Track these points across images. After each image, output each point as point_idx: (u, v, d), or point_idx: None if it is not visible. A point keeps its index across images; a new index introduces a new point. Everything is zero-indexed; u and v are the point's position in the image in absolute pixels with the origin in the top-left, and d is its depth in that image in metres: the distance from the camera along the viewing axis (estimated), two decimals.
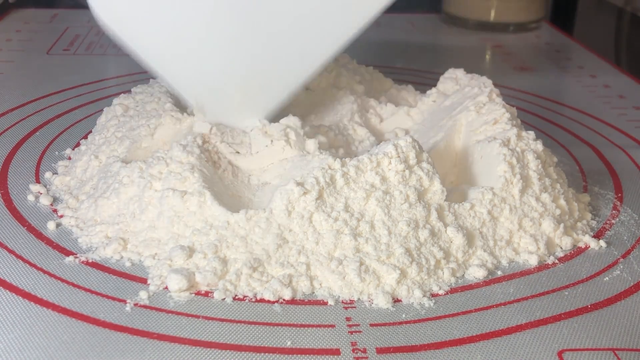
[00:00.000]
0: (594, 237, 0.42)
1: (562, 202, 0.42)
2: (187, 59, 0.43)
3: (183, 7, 0.41)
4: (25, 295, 0.35)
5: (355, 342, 0.32)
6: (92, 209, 0.41)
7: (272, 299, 0.35)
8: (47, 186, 0.45)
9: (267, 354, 0.32)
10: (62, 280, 0.36)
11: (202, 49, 0.42)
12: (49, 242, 0.39)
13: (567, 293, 0.37)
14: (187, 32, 0.42)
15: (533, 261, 0.39)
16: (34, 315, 0.33)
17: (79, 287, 0.35)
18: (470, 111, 0.45)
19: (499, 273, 0.38)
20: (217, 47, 0.43)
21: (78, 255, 0.38)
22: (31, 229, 0.40)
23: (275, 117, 0.45)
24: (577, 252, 0.40)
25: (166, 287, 0.35)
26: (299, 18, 0.43)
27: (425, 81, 0.65)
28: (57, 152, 0.50)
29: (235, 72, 0.43)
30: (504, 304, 0.36)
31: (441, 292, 0.36)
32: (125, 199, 0.40)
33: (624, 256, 0.40)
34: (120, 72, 0.68)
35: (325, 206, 0.37)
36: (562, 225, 0.41)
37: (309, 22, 0.43)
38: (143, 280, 0.36)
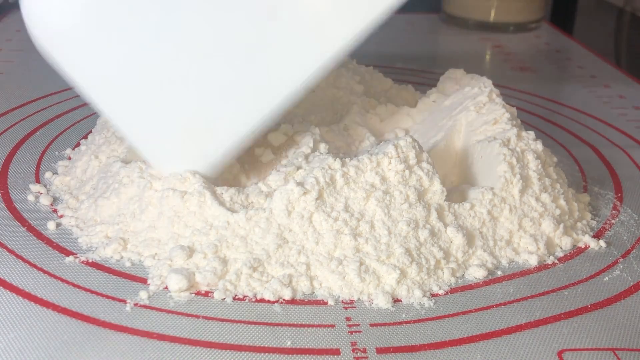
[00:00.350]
0: (594, 237, 0.42)
1: (562, 202, 0.42)
2: (127, 92, 0.38)
3: (127, 37, 0.37)
4: (25, 295, 0.35)
5: (355, 342, 0.32)
6: (92, 209, 0.41)
7: (272, 299, 0.35)
8: (47, 186, 0.45)
9: (267, 354, 0.32)
10: (62, 280, 0.36)
11: (142, 82, 0.38)
12: (49, 242, 0.39)
13: (567, 293, 0.37)
14: (128, 63, 0.37)
15: (533, 261, 0.39)
16: (34, 315, 0.33)
17: (79, 287, 0.35)
18: (470, 111, 0.45)
19: (499, 273, 0.38)
20: (155, 79, 0.38)
21: (78, 255, 0.38)
22: (31, 229, 0.40)
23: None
24: (577, 252, 0.40)
25: (166, 287, 0.35)
26: (247, 55, 0.37)
27: (425, 81, 0.65)
28: (57, 152, 0.50)
29: (174, 111, 0.38)
30: (504, 304, 0.36)
31: (441, 292, 0.36)
32: (125, 199, 0.40)
33: (623, 256, 0.40)
34: None
35: (325, 206, 0.37)
36: (562, 225, 0.41)
37: (258, 60, 0.37)
38: (143, 280, 0.36)
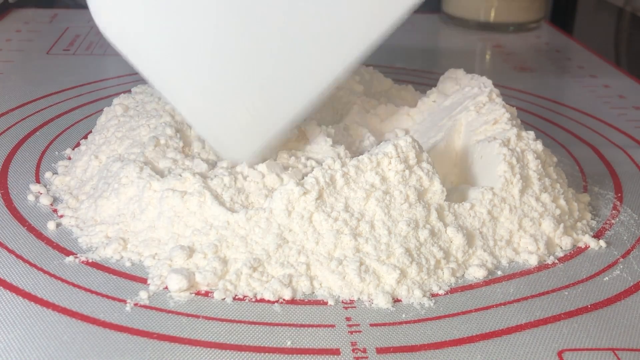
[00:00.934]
0: (594, 237, 0.42)
1: (562, 202, 0.42)
2: (188, 75, 0.41)
3: (188, 25, 0.40)
4: (25, 295, 0.35)
5: (355, 342, 0.32)
6: (92, 209, 0.41)
7: (272, 299, 0.35)
8: (47, 186, 0.45)
9: (267, 354, 0.32)
10: (62, 280, 0.36)
11: (203, 67, 0.41)
12: (49, 242, 0.39)
13: (567, 293, 0.37)
14: (190, 49, 0.40)
15: (533, 261, 0.39)
16: (34, 315, 0.33)
17: (79, 287, 0.35)
18: (470, 111, 0.45)
19: (499, 273, 0.38)
20: (216, 63, 0.41)
21: (78, 255, 0.38)
22: (31, 229, 0.40)
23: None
24: (577, 252, 0.40)
25: (166, 287, 0.35)
26: (297, 43, 0.40)
27: (425, 81, 0.65)
28: (57, 152, 0.50)
29: (234, 92, 0.41)
30: (504, 304, 0.36)
31: (441, 292, 0.36)
32: (125, 199, 0.40)
33: (624, 256, 0.40)
34: (120, 72, 0.68)
35: (325, 206, 0.37)
36: (562, 225, 0.41)
37: (308, 47, 0.40)
38: (143, 280, 0.36)
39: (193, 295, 0.35)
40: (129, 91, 0.51)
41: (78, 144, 0.50)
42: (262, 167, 0.40)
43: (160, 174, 0.40)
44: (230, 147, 0.42)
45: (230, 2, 0.39)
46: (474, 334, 0.33)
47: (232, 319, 0.34)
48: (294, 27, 0.40)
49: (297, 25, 0.40)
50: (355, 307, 0.35)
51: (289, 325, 0.33)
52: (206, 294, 0.35)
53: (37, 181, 0.45)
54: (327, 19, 0.40)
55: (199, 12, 0.39)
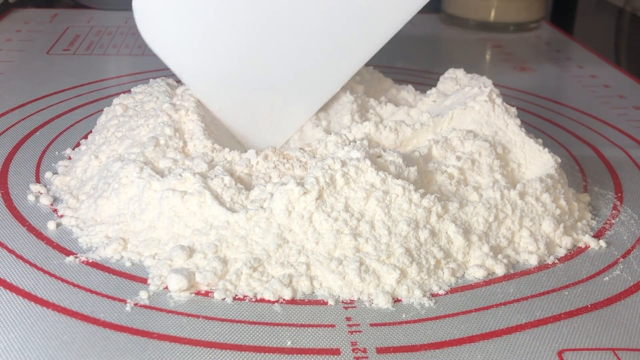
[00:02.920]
0: (594, 237, 0.42)
1: (562, 202, 0.42)
2: (219, 74, 0.46)
3: (221, 31, 0.44)
4: (25, 295, 0.35)
5: (355, 342, 0.32)
6: (92, 209, 0.41)
7: (272, 299, 0.35)
8: (47, 186, 0.45)
9: (267, 354, 0.32)
10: (62, 280, 0.36)
11: (233, 63, 0.45)
12: (49, 242, 0.39)
13: (567, 293, 0.37)
14: (223, 51, 0.45)
15: (533, 261, 0.39)
16: (34, 315, 0.33)
17: (79, 287, 0.35)
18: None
19: (499, 273, 0.38)
20: (247, 62, 0.45)
21: (78, 255, 0.38)
22: (31, 229, 0.40)
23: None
24: (577, 252, 0.40)
25: (166, 287, 0.35)
26: (326, 36, 0.45)
27: (425, 81, 0.65)
28: (57, 152, 0.50)
29: (263, 88, 0.46)
30: (504, 304, 0.36)
31: (441, 292, 0.36)
32: (125, 199, 0.40)
33: (624, 256, 0.40)
34: (120, 72, 0.68)
35: (325, 206, 0.37)
36: (562, 225, 0.41)
37: (335, 40, 0.46)
38: (143, 280, 0.36)
39: (193, 295, 0.35)
40: (129, 91, 0.50)
41: (78, 144, 0.50)
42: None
43: (160, 174, 0.40)
44: (257, 142, 0.47)
45: (256, 11, 0.44)
46: (474, 334, 0.33)
47: (232, 319, 0.34)
48: (310, 32, 0.45)
49: (314, 30, 0.45)
50: (355, 307, 0.35)
51: (289, 325, 0.33)
52: (206, 294, 0.35)
53: (37, 181, 0.45)
54: (343, 21, 0.45)
55: (230, 21, 0.44)
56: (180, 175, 0.39)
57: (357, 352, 0.32)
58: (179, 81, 0.49)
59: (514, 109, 0.46)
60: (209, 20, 0.44)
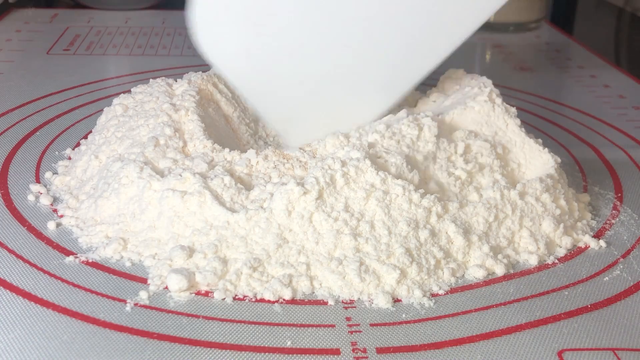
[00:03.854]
0: (594, 237, 0.42)
1: (562, 202, 0.42)
2: (275, 85, 0.45)
3: (282, 46, 0.44)
4: (25, 295, 0.35)
5: (355, 342, 0.32)
6: (92, 209, 0.41)
7: (272, 299, 0.35)
8: (47, 186, 0.45)
9: (267, 354, 0.32)
10: (62, 280, 0.36)
11: (290, 78, 0.45)
12: (49, 242, 0.39)
13: (567, 293, 0.37)
14: (282, 66, 0.44)
15: (533, 261, 0.39)
16: (34, 315, 0.33)
17: (79, 287, 0.35)
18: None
19: (499, 273, 0.38)
20: (305, 77, 0.45)
21: (78, 255, 0.38)
22: (31, 229, 0.40)
23: None
24: (577, 252, 0.40)
25: (166, 287, 0.35)
26: (391, 42, 0.44)
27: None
28: (57, 152, 0.50)
29: (320, 103, 0.46)
30: (504, 304, 0.36)
31: (441, 292, 0.36)
32: (125, 199, 0.40)
33: (624, 256, 0.40)
34: (120, 72, 0.68)
35: (325, 206, 0.37)
36: (562, 225, 0.41)
37: (400, 47, 0.44)
38: (143, 280, 0.36)
39: (193, 295, 0.35)
40: (129, 91, 0.50)
41: (78, 144, 0.50)
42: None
43: (160, 174, 0.40)
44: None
45: (317, 20, 0.43)
46: (474, 334, 0.33)
47: (232, 319, 0.34)
48: (377, 36, 0.43)
49: (382, 33, 0.43)
50: (355, 307, 0.35)
51: (289, 325, 0.33)
52: (206, 294, 0.35)
53: (37, 181, 0.45)
54: (418, 24, 0.44)
55: (291, 34, 0.43)
56: (180, 175, 0.39)
57: (357, 352, 0.32)
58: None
59: (514, 109, 0.46)
60: (270, 32, 0.43)
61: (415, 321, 0.34)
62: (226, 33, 0.43)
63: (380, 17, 0.43)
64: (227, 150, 0.43)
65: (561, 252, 0.40)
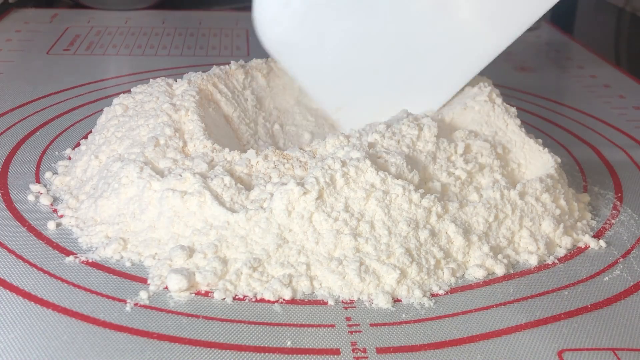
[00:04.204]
0: (594, 237, 0.42)
1: (562, 202, 0.42)
2: (333, 76, 0.48)
3: (340, 37, 0.46)
4: (25, 295, 0.35)
5: (355, 342, 0.32)
6: (92, 209, 0.41)
7: (272, 299, 0.35)
8: (47, 186, 0.45)
9: (267, 354, 0.32)
10: (62, 280, 0.36)
11: (348, 69, 0.47)
12: (49, 242, 0.39)
13: (567, 293, 0.37)
14: (339, 55, 0.47)
15: (533, 261, 0.39)
16: (34, 315, 0.33)
17: (79, 287, 0.35)
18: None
19: (499, 273, 0.38)
20: (362, 68, 0.47)
21: (78, 255, 0.38)
22: (31, 229, 0.40)
23: None
24: (577, 252, 0.40)
25: (166, 287, 0.35)
26: (446, 37, 0.46)
27: None
28: (57, 152, 0.50)
29: (376, 93, 0.48)
30: (504, 304, 0.36)
31: (441, 292, 0.36)
32: (125, 199, 0.40)
33: (624, 256, 0.40)
34: (120, 72, 0.68)
35: (325, 206, 0.37)
36: (562, 225, 0.41)
37: (455, 42, 0.46)
38: (143, 280, 0.36)
39: (193, 295, 0.35)
40: (129, 91, 0.51)
41: (78, 144, 0.50)
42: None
43: (160, 174, 0.40)
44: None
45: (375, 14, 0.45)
46: (474, 334, 0.33)
47: (232, 319, 0.34)
48: (429, 31, 0.45)
49: (433, 29, 0.45)
50: (355, 307, 0.35)
51: (289, 325, 0.33)
52: (206, 294, 0.35)
53: (37, 181, 0.45)
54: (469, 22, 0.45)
55: (348, 24, 0.46)
56: (180, 175, 0.39)
57: (357, 352, 0.32)
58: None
59: (514, 109, 0.46)
60: (324, 21, 0.45)
61: (415, 321, 0.34)
62: (289, 28, 0.45)
63: (437, 13, 0.45)
64: (227, 150, 0.43)
65: (561, 252, 0.40)
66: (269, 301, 0.35)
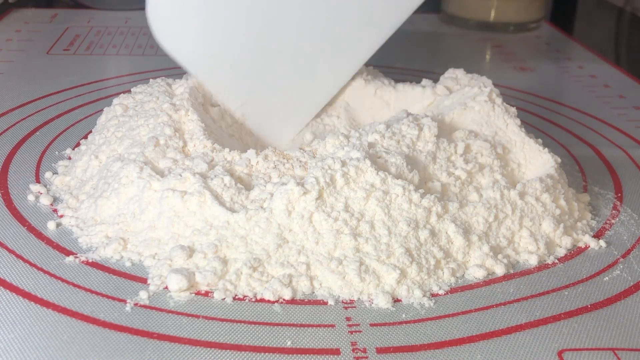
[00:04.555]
0: (594, 237, 0.42)
1: (562, 202, 0.42)
2: (234, 72, 0.48)
3: (232, 27, 0.46)
4: (25, 295, 0.35)
5: (355, 342, 0.32)
6: (92, 209, 0.41)
7: (272, 299, 0.35)
8: (47, 186, 0.45)
9: (267, 354, 0.32)
10: (62, 280, 0.36)
11: (247, 63, 0.47)
12: (49, 242, 0.39)
13: (567, 293, 0.37)
14: (235, 49, 0.47)
15: (533, 261, 0.39)
16: (34, 315, 0.33)
17: (79, 287, 0.35)
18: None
19: (499, 273, 0.38)
20: (261, 61, 0.47)
21: (78, 255, 0.38)
22: (31, 229, 0.40)
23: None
24: (577, 252, 0.40)
25: (166, 287, 0.35)
26: (331, 34, 0.48)
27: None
28: (57, 152, 0.50)
29: (277, 85, 0.49)
30: (504, 304, 0.36)
31: (441, 292, 0.36)
32: (125, 199, 0.40)
33: (624, 256, 0.40)
34: (120, 72, 0.68)
35: (325, 206, 0.37)
36: (562, 225, 0.41)
37: (340, 38, 0.48)
38: (143, 280, 0.36)
39: (193, 295, 0.35)
40: (129, 91, 0.50)
41: (78, 144, 0.50)
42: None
43: (160, 174, 0.40)
44: (272, 137, 0.50)
45: (265, 11, 0.46)
46: (474, 334, 0.33)
47: (232, 319, 0.34)
48: (314, 29, 0.48)
49: (321, 28, 0.48)
50: (355, 307, 0.35)
51: (289, 325, 0.33)
52: (206, 294, 0.35)
53: (37, 181, 0.45)
54: (347, 21, 0.48)
55: (240, 19, 0.46)
56: (180, 175, 0.39)
57: (357, 352, 0.32)
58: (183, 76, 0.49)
59: (514, 109, 0.46)
60: (220, 18, 0.45)
61: (415, 321, 0.34)
62: (180, 19, 0.45)
63: (321, 13, 0.47)
64: (227, 150, 0.43)
65: (561, 252, 0.40)
66: (269, 301, 0.35)
